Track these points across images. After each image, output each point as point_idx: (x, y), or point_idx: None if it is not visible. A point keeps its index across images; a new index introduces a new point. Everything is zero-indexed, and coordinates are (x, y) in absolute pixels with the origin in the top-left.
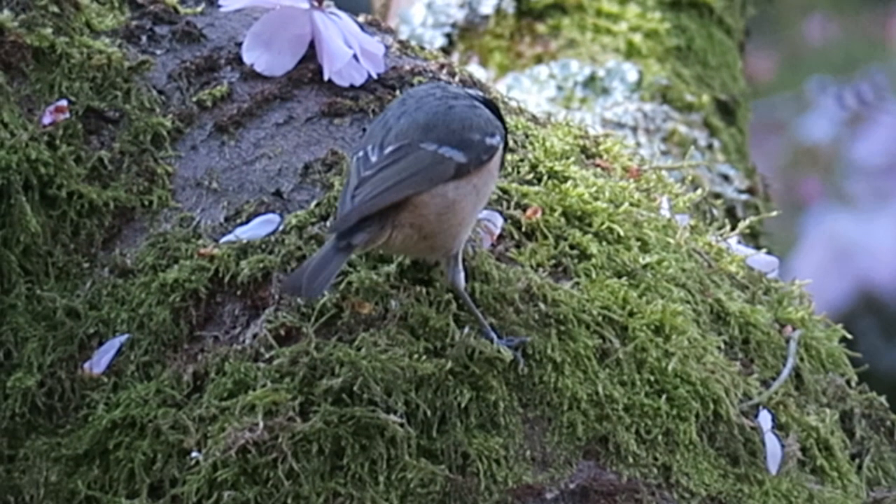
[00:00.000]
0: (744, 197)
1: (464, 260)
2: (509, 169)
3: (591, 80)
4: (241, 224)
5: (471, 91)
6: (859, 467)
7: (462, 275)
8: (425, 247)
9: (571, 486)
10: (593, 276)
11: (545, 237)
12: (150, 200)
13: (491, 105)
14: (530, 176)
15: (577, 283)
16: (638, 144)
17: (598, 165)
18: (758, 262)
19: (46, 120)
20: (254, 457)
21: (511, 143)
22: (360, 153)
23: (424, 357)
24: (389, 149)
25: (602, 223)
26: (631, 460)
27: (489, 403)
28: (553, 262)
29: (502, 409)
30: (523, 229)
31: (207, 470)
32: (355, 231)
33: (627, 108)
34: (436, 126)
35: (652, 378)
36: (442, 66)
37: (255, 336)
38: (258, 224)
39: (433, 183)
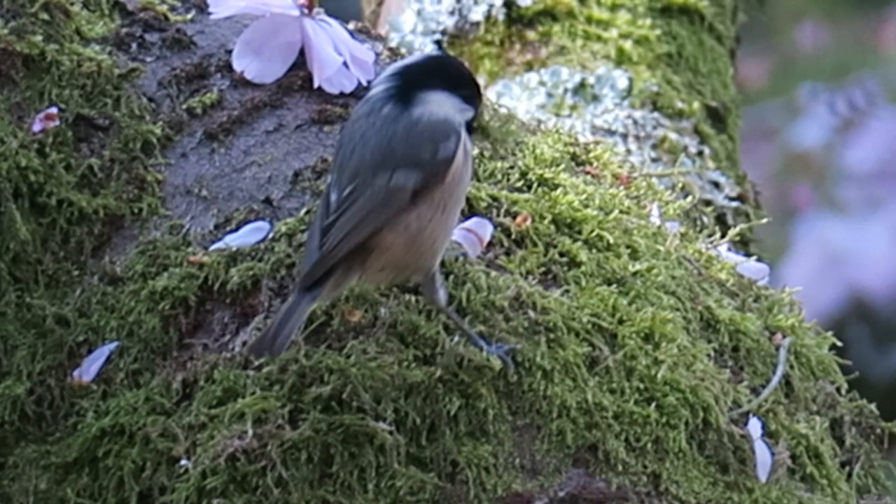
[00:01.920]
0: (734, 204)
1: (449, 271)
2: (499, 176)
3: (581, 87)
4: (231, 231)
5: (398, 70)
6: (849, 475)
7: (442, 291)
8: (402, 276)
9: (561, 494)
10: (583, 283)
11: (535, 245)
12: (139, 208)
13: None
14: (520, 183)
15: (567, 291)
16: (628, 151)
17: (587, 173)
18: (748, 269)
19: (36, 127)
20: (243, 465)
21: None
22: (325, 194)
23: (414, 365)
24: (347, 191)
25: (592, 231)
26: (620, 468)
27: (478, 411)
28: (543, 269)
29: (491, 417)
30: (513, 237)
31: (196, 478)
32: (321, 281)
33: (617, 115)
34: (385, 156)
35: (641, 386)
36: None
37: (244, 344)
38: (248, 231)
39: (391, 216)
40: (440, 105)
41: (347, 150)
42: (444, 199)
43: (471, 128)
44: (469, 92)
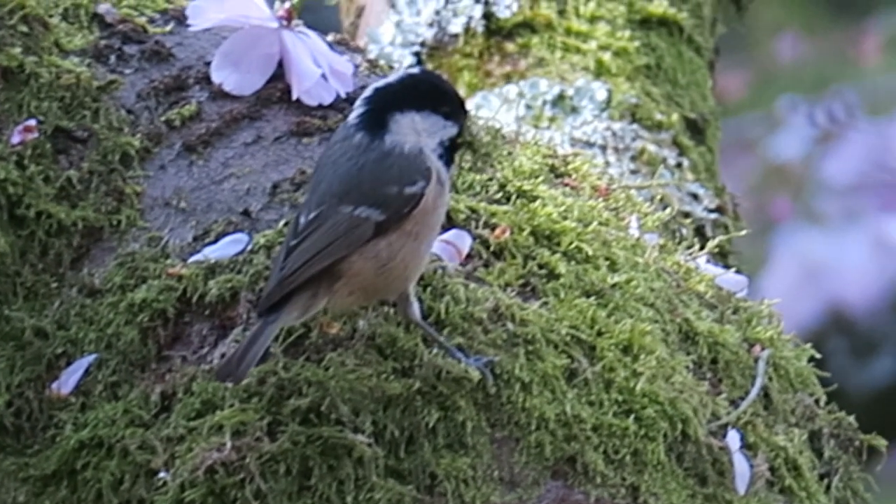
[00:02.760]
0: (713, 216)
1: (427, 283)
2: (478, 188)
3: (560, 99)
4: (210, 243)
5: (375, 92)
6: (828, 487)
7: (416, 306)
8: (373, 299)
9: None
10: (562, 295)
11: (513, 257)
12: (118, 220)
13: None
14: (499, 195)
15: (546, 303)
16: (607, 163)
17: (566, 184)
18: (727, 281)
19: (15, 139)
20: (221, 477)
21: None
22: (296, 216)
23: (392, 377)
24: (312, 215)
25: (570, 242)
26: (599, 480)
27: (457, 423)
28: (521, 281)
29: (470, 430)
30: (492, 249)
31: (175, 490)
32: (283, 304)
33: (596, 127)
34: (350, 188)
35: (620, 398)
36: None
37: (223, 356)
38: (226, 243)
39: (352, 247)
40: (414, 131)
41: (320, 174)
42: (417, 229)
43: (456, 145)
44: (450, 108)
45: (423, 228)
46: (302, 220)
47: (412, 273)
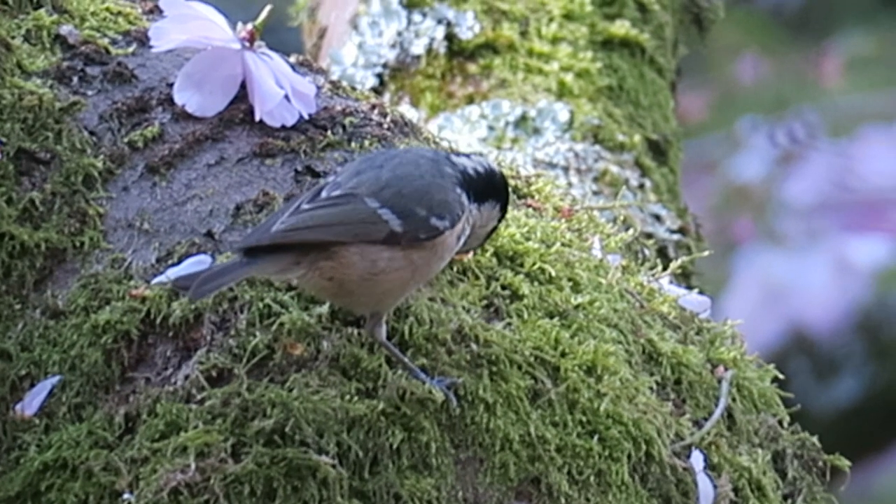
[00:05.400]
0: (675, 237)
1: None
2: None
3: (522, 121)
4: (173, 265)
5: (469, 166)
6: None
7: (383, 328)
8: (346, 301)
9: None
10: (525, 316)
11: (477, 277)
12: (81, 242)
13: (488, 182)
14: None
15: (509, 324)
16: (569, 184)
17: (529, 206)
18: (690, 302)
19: None
20: (186, 498)
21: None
22: (318, 187)
23: (356, 398)
24: (337, 192)
25: (534, 263)
26: (563, 501)
27: (421, 444)
28: (485, 302)
29: (434, 450)
30: (455, 269)
31: None
32: (265, 255)
33: (559, 148)
34: (389, 187)
35: (584, 419)
36: (373, 107)
37: (186, 377)
38: (190, 265)
39: (359, 238)
40: (455, 198)
41: (374, 161)
42: (419, 263)
43: (491, 233)
44: (506, 203)
45: (424, 267)
46: (324, 193)
47: (390, 298)
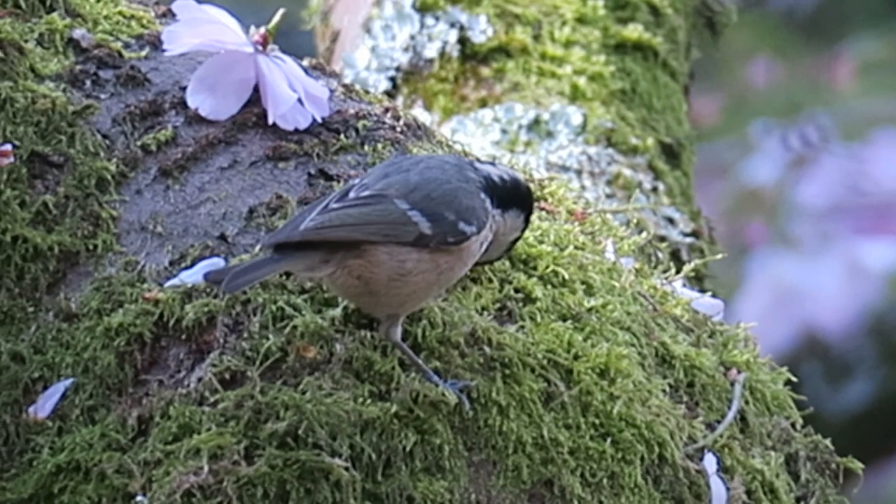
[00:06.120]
0: (688, 240)
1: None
2: None
3: (535, 124)
4: (186, 268)
5: (494, 174)
6: None
7: (398, 329)
8: (369, 302)
9: None
10: (538, 319)
11: (490, 280)
12: (94, 245)
13: (514, 191)
14: None
15: (522, 327)
16: (583, 188)
17: (542, 209)
18: (703, 305)
19: None
20: (199, 500)
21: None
22: (345, 187)
23: (369, 401)
24: (366, 193)
25: (547, 266)
26: (576, 503)
27: (434, 447)
28: (498, 305)
29: (447, 453)
30: (468, 273)
31: None
32: (295, 251)
33: (572, 152)
34: (418, 190)
35: (597, 421)
36: (386, 110)
37: (199, 380)
38: (203, 268)
39: (388, 239)
40: (482, 205)
41: (401, 165)
42: (444, 268)
43: (513, 243)
44: (530, 213)
45: (449, 271)
46: (352, 193)
47: (413, 301)
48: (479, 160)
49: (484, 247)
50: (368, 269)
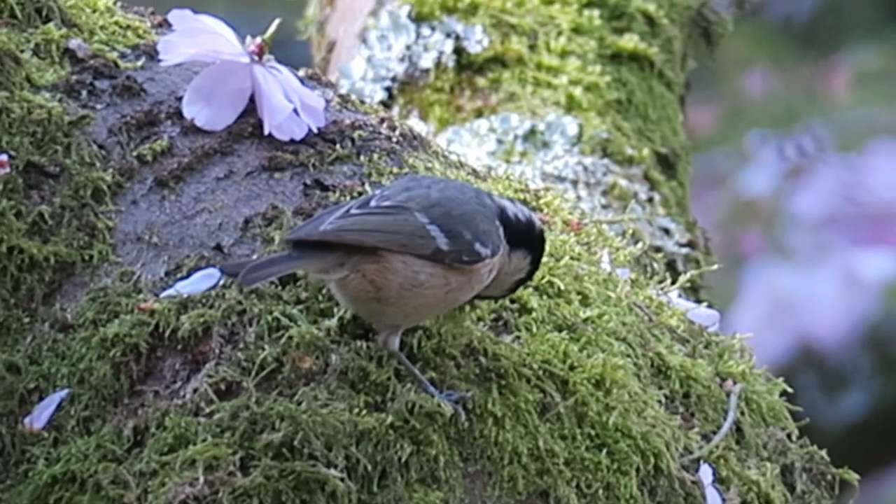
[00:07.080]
0: (684, 250)
1: None
2: None
3: (531, 134)
4: (182, 278)
5: (510, 210)
6: None
7: (397, 339)
8: (376, 309)
9: None
10: (534, 330)
11: None
12: (90, 255)
13: (527, 232)
14: None
15: (518, 338)
16: (578, 198)
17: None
18: (698, 315)
19: None
20: None
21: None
22: (366, 196)
23: (365, 411)
24: (387, 203)
25: (542, 277)
26: None
27: (430, 458)
28: (494, 316)
29: (443, 464)
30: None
31: None
32: (312, 251)
33: (568, 162)
34: (439, 206)
35: (593, 432)
36: (382, 121)
37: (195, 391)
38: (199, 278)
39: (405, 249)
40: (497, 230)
41: (421, 182)
42: (454, 287)
43: (517, 285)
44: (539, 259)
45: (457, 290)
46: (373, 202)
47: (418, 315)
48: (499, 194)
49: (491, 276)
50: (383, 274)
